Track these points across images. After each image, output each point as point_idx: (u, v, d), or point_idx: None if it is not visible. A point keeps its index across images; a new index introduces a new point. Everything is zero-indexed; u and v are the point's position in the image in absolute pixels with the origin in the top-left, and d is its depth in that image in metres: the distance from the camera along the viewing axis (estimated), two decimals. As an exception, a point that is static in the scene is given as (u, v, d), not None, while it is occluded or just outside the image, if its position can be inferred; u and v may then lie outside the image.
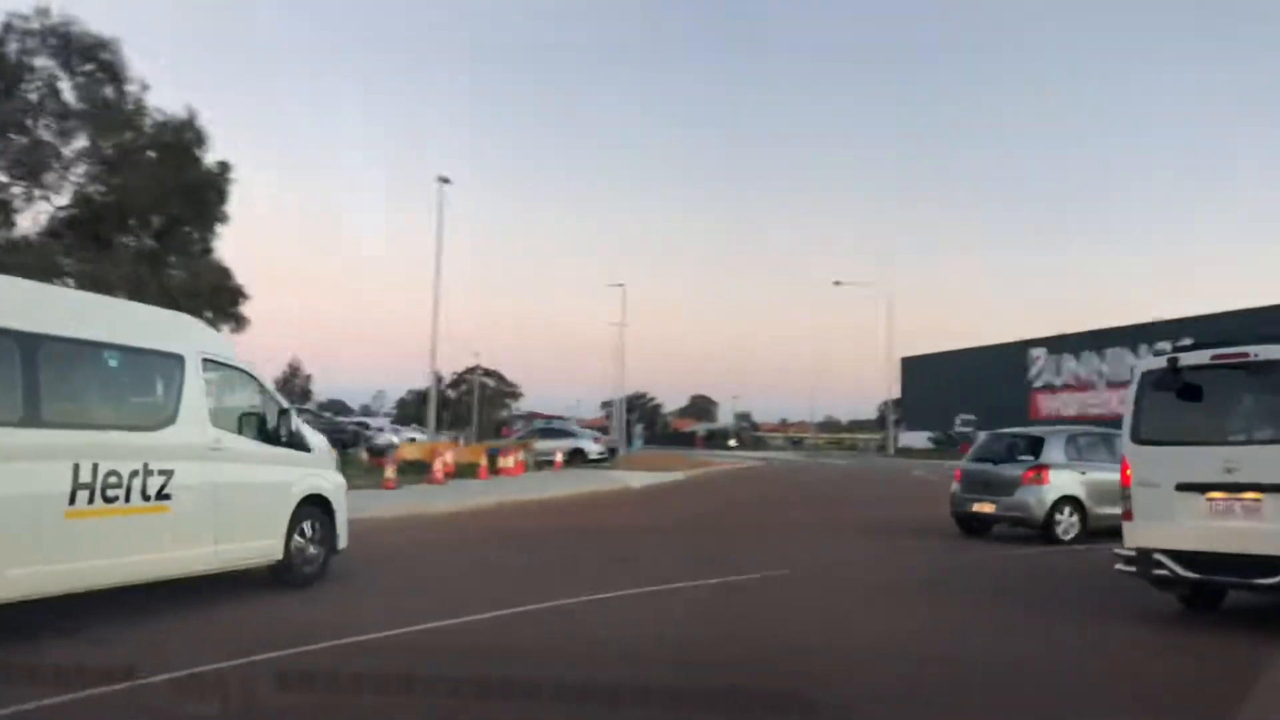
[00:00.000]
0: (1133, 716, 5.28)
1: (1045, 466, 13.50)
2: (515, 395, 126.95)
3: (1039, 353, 64.58)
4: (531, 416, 50.06)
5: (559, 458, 29.94)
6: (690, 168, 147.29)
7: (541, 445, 31.89)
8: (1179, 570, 7.35)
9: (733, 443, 76.23)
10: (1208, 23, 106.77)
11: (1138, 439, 7.88)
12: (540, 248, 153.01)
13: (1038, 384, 64.37)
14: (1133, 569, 7.69)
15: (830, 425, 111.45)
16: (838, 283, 64.29)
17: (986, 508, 14.05)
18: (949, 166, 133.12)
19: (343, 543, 9.33)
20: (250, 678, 5.41)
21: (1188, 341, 8.25)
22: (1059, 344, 63.21)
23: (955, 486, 15.01)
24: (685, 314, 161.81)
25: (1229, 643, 7.00)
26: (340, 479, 9.60)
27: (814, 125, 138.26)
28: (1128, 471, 7.88)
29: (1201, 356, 7.56)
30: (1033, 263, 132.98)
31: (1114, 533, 13.75)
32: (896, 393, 73.07)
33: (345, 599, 8.42)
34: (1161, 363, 7.76)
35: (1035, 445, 14.06)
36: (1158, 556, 7.43)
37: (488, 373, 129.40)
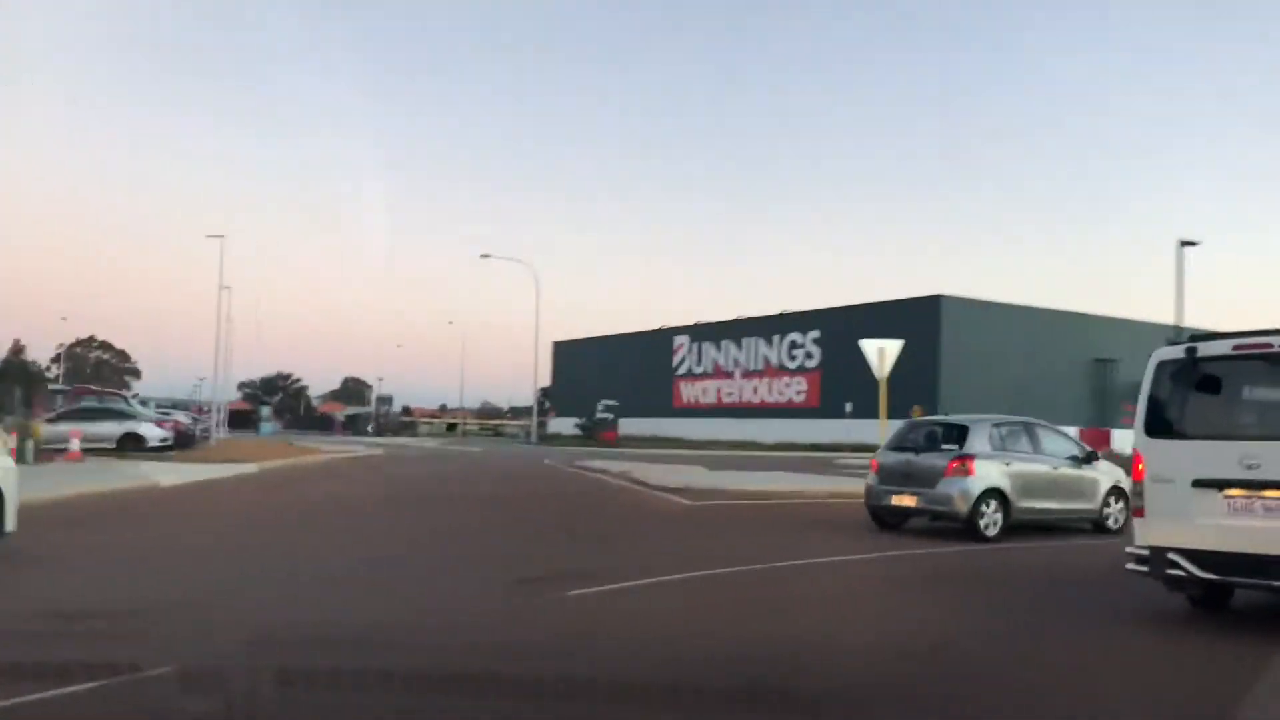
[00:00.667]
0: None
1: (971, 457, 12.78)
2: (135, 373, 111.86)
3: (682, 340, 65.76)
4: (80, 392, 40.70)
5: (75, 445, 23.08)
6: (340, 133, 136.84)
7: (57, 430, 24.83)
8: (1194, 570, 7.12)
9: (370, 428, 70.43)
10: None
11: (1152, 432, 7.58)
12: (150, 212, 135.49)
13: (680, 371, 65.47)
14: (1144, 569, 7.41)
15: (490, 411, 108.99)
16: (485, 255, 61.19)
17: (907, 500, 13.20)
18: (608, 149, 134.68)
19: (10, 525, 9.55)
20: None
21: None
22: (700, 332, 64.58)
23: (871, 478, 13.96)
24: (339, 294, 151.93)
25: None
26: (10, 464, 9.89)
27: (476, 104, 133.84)
28: (1140, 466, 7.58)
29: (1222, 347, 7.28)
30: (688, 252, 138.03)
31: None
32: (548, 378, 71.35)
33: None
34: (1178, 352, 7.44)
35: (959, 434, 13.27)
36: (1172, 556, 7.19)
37: (105, 347, 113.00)
